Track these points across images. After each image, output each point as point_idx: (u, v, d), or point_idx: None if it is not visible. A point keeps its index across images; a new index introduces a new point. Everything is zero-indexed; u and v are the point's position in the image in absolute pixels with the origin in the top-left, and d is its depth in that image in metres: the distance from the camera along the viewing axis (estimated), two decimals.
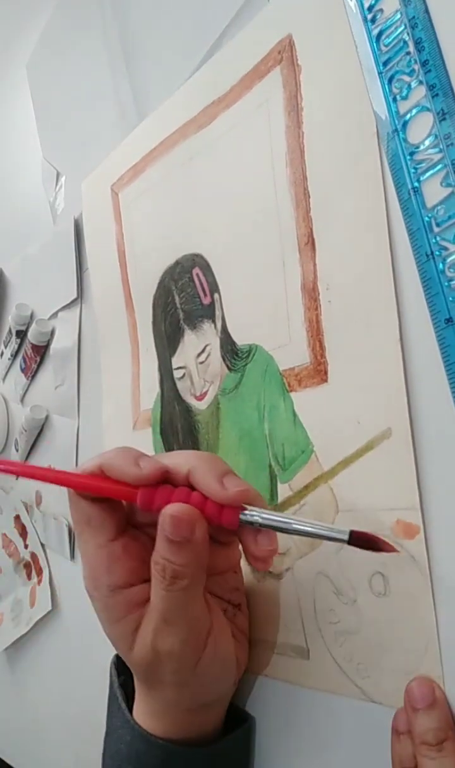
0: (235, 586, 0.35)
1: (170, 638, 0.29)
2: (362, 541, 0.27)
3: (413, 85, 0.29)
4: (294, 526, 0.28)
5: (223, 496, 0.28)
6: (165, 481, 0.30)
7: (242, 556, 0.33)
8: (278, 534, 0.30)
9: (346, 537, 0.27)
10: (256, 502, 0.29)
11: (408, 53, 0.29)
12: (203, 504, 0.29)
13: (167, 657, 0.30)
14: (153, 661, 0.30)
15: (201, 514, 0.29)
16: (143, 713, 0.34)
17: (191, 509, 0.28)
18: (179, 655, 0.30)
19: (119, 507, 0.32)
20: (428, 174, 0.28)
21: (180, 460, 0.30)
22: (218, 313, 0.39)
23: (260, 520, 0.28)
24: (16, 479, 0.65)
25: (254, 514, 0.28)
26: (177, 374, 0.42)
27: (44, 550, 0.60)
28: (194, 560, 0.29)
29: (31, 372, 0.61)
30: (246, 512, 0.29)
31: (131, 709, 0.34)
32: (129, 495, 0.29)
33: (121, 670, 0.37)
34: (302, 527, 0.28)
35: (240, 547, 0.32)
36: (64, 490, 0.31)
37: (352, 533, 0.27)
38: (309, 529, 0.28)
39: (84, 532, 0.31)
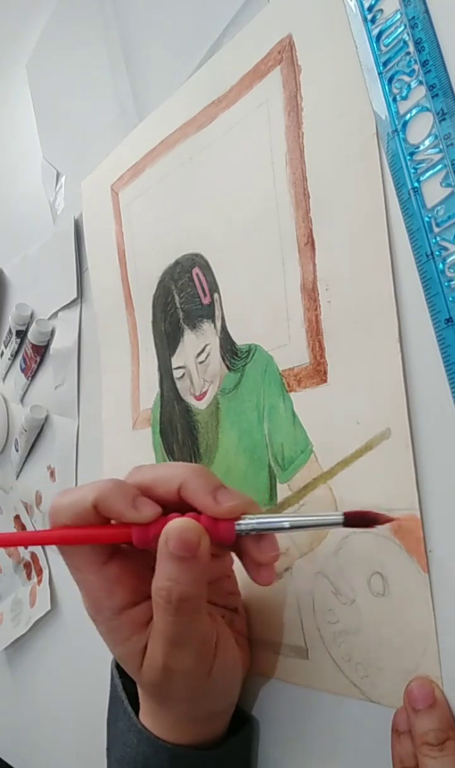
0: (230, 591, 0.35)
1: (181, 658, 0.29)
2: (357, 519, 0.27)
3: (413, 85, 0.29)
4: (289, 524, 0.28)
5: (217, 511, 0.28)
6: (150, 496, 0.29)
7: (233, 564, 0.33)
8: (278, 535, 0.30)
9: (341, 520, 0.27)
10: (251, 510, 0.29)
11: (408, 53, 0.29)
12: (198, 521, 0.28)
13: (180, 675, 0.29)
14: (165, 680, 0.29)
15: (203, 528, 0.28)
16: (151, 724, 0.33)
17: (195, 523, 0.28)
18: (191, 671, 0.29)
19: None
20: (428, 174, 0.28)
21: (170, 473, 0.29)
22: (217, 312, 0.39)
23: (256, 527, 0.28)
24: (17, 479, 0.65)
25: (250, 523, 0.28)
26: (177, 374, 0.42)
27: (44, 550, 0.60)
28: (200, 577, 0.28)
29: (31, 372, 0.61)
30: (241, 522, 0.28)
31: (135, 712, 0.34)
32: (123, 537, 0.29)
33: (122, 672, 0.36)
34: (297, 523, 0.28)
35: (237, 559, 0.31)
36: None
37: (346, 515, 0.27)
38: (305, 522, 0.28)
39: (75, 560, 0.30)
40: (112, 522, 0.30)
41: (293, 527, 0.28)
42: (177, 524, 0.28)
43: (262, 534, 0.29)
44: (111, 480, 0.29)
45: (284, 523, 0.28)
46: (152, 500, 0.29)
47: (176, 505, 0.29)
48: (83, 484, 0.30)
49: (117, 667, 0.37)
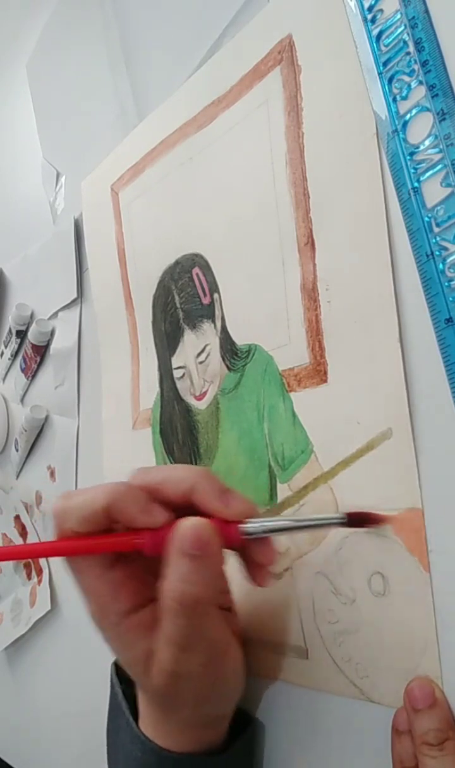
0: (223, 590, 0.34)
1: (189, 663, 0.29)
2: (359, 520, 0.28)
3: (413, 85, 0.29)
4: (294, 525, 0.29)
5: (228, 514, 0.28)
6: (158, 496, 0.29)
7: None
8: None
9: (345, 519, 0.28)
10: (254, 514, 0.29)
11: (408, 53, 0.29)
12: None
13: (187, 680, 0.29)
14: (172, 685, 0.29)
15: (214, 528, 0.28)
16: (153, 732, 0.33)
17: (207, 521, 0.28)
18: (199, 676, 0.29)
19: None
20: (428, 174, 0.28)
21: (177, 476, 0.29)
22: (217, 312, 0.39)
23: (263, 529, 0.28)
24: (17, 479, 0.65)
25: (257, 525, 0.29)
26: (177, 374, 0.42)
27: None
28: (211, 578, 0.28)
29: (31, 372, 0.61)
30: (248, 525, 0.29)
31: (136, 721, 0.34)
32: (134, 544, 0.29)
33: (123, 679, 0.36)
34: (301, 524, 0.29)
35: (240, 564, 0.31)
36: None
37: (349, 515, 0.28)
38: (308, 523, 0.29)
39: (79, 565, 0.29)
40: (115, 525, 0.29)
41: (298, 528, 0.29)
42: (190, 522, 0.28)
43: (262, 536, 0.29)
44: (121, 483, 0.29)
45: (289, 525, 0.29)
46: (160, 504, 0.29)
47: (180, 507, 0.29)
48: (89, 487, 0.29)
49: (117, 674, 0.37)
